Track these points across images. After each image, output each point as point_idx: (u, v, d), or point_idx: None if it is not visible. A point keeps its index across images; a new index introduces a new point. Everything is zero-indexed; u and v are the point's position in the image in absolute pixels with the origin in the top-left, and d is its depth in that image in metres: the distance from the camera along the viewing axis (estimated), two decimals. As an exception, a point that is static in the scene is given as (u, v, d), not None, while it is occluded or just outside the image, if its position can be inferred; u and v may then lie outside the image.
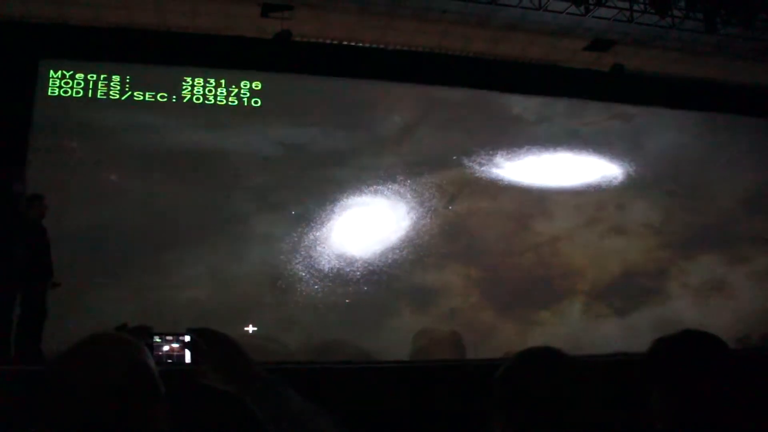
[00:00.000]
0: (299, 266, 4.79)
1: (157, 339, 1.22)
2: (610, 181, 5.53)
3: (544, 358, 1.26)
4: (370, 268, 4.88)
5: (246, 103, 4.96)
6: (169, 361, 1.22)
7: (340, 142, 5.06)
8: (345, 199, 4.99)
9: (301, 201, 4.88)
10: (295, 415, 1.07)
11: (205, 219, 4.63)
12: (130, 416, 0.94)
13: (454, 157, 5.23)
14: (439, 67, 5.24)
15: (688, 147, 5.73)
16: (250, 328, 4.52)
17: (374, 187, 5.07)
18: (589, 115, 5.62)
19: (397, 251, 4.99)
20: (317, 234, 4.86)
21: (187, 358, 1.22)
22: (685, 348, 1.28)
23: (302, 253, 4.81)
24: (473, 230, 5.18)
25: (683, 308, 5.32)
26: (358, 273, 4.87)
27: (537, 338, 4.67)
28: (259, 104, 4.94)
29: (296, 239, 4.81)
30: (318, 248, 4.84)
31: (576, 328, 5.12)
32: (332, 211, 4.94)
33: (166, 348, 1.24)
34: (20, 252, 3.55)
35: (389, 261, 4.95)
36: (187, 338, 1.22)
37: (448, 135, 5.26)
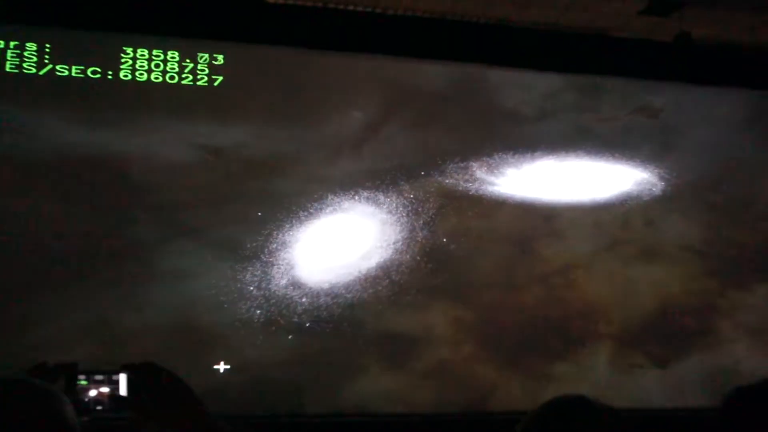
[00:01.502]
0: (223, 313, 4.52)
1: (82, 381, 1.24)
2: (637, 191, 5.45)
3: (578, 409, 1.40)
4: (326, 311, 4.68)
5: (206, 82, 4.80)
6: (99, 408, 1.24)
7: (280, 144, 4.88)
8: (290, 220, 4.77)
9: (226, 224, 4.65)
10: None
11: (93, 249, 4.37)
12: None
13: (433, 164, 5.08)
14: (440, 37, 5.18)
15: (736, 146, 5.66)
16: (222, 367, 4.41)
17: (328, 203, 4.88)
18: (605, 109, 5.51)
19: (362, 288, 4.79)
20: (249, 268, 4.61)
21: (122, 404, 1.27)
22: None
23: (228, 293, 4.54)
24: (462, 258, 5.01)
25: (740, 353, 5.25)
26: (309, 318, 4.66)
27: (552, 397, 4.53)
28: (219, 83, 4.78)
29: (219, 276, 4.55)
30: (251, 287, 4.61)
31: (603, 384, 4.97)
32: (271, 236, 4.71)
33: (93, 393, 1.25)
34: None
35: (351, 301, 4.73)
36: (123, 378, 1.25)
37: (425, 134, 5.11)
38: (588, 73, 5.56)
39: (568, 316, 5.21)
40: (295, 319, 4.75)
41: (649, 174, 5.58)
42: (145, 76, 4.87)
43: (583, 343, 5.21)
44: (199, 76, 4.94)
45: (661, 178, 5.62)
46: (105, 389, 1.22)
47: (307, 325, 4.74)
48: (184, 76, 4.89)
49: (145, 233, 4.63)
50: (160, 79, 4.87)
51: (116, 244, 4.54)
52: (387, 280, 4.97)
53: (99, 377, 1.23)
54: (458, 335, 5.06)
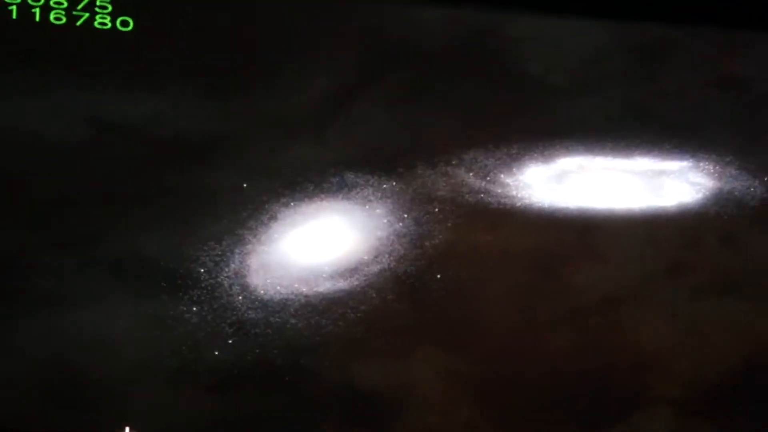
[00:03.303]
0: (123, 358, 3.66)
1: None
2: (711, 195, 4.49)
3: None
4: (267, 357, 3.77)
5: (109, 26, 4.07)
6: None
7: (210, 120, 4.08)
8: (219, 228, 4.00)
9: (126, 231, 3.86)
10: None
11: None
12: None
13: (424, 153, 4.19)
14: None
15: None
16: (128, 432, 3.63)
17: (275, 205, 4.09)
18: (668, 79, 4.63)
19: (318, 327, 3.88)
20: (159, 295, 3.77)
21: None
22: None
23: (129, 330, 3.67)
24: (460, 287, 4.14)
25: None
26: (245, 366, 3.79)
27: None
28: (130, 28, 4.06)
29: (115, 305, 3.69)
30: (163, 319, 3.74)
31: (658, 468, 4.11)
32: (192, 250, 3.93)
33: None
34: None
35: (302, 345, 3.84)
36: None
37: (414, 111, 4.26)
38: (647, 21, 4.81)
39: (611, 369, 4.25)
40: (226, 367, 4.09)
41: (729, 170, 4.58)
42: (14, 11, 4.20)
43: (632, 408, 4.49)
44: (98, 17, 4.29)
45: (747, 177, 4.69)
46: None
47: (242, 375, 4.02)
48: (75, 14, 4.20)
49: (7, 243, 4.02)
50: (38, 17, 4.25)
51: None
52: (352, 316, 4.16)
53: None
54: (451, 394, 4.14)
